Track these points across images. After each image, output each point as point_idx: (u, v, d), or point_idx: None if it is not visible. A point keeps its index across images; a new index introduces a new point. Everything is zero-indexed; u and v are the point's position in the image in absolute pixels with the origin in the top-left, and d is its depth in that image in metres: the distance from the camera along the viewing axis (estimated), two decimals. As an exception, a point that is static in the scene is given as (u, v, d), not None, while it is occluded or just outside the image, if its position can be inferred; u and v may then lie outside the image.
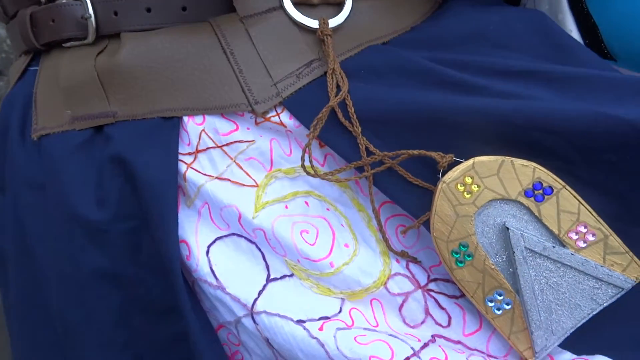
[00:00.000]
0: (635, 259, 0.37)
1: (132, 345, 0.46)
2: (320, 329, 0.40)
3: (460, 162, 0.38)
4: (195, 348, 0.43)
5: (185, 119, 0.44)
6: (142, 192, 0.44)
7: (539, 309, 0.37)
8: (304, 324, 0.40)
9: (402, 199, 0.41)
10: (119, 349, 0.46)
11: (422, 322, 0.41)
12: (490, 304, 0.38)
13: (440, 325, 0.41)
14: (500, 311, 0.38)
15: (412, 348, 0.38)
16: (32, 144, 0.49)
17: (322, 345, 0.39)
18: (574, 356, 0.37)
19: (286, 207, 0.44)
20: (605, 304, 0.37)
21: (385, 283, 0.42)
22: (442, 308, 0.41)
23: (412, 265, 0.43)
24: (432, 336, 0.40)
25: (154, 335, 0.46)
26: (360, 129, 0.41)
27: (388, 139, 0.41)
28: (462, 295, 0.41)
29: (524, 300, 0.37)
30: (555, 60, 0.44)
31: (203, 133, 0.44)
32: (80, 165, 0.46)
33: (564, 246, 0.37)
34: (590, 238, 0.37)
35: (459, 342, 0.40)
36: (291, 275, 0.43)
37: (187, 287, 0.45)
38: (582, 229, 0.37)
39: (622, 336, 0.37)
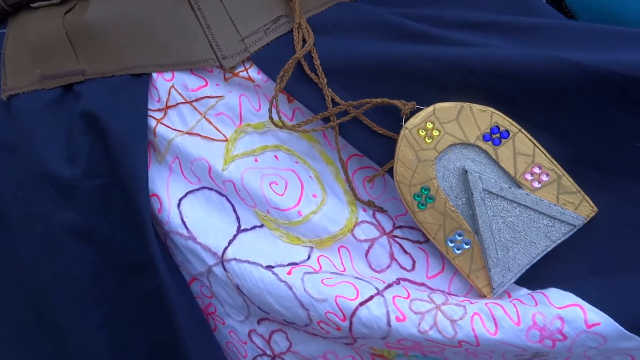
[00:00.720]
0: (587, 198, 0.39)
1: (105, 302, 0.47)
2: (289, 273, 0.41)
3: (422, 109, 0.40)
4: (169, 303, 0.44)
5: (155, 75, 0.44)
6: (112, 148, 0.44)
7: (496, 247, 0.39)
8: (273, 269, 0.41)
9: (368, 149, 0.42)
10: (92, 306, 0.47)
11: (388, 267, 0.43)
12: (450, 245, 0.40)
13: (404, 269, 0.43)
14: (460, 251, 0.40)
15: (377, 288, 0.40)
16: (1, 105, 0.49)
17: (290, 288, 0.40)
18: (529, 291, 0.39)
19: (256, 160, 0.45)
20: (558, 241, 0.39)
21: (352, 230, 0.43)
22: (406, 253, 0.43)
23: (378, 214, 0.44)
24: (397, 279, 0.42)
25: (127, 292, 0.47)
26: (325, 80, 0.42)
27: (353, 90, 0.42)
28: (426, 241, 0.43)
29: (482, 240, 0.39)
30: (515, 15, 0.45)
31: (172, 89, 0.45)
32: (50, 123, 0.46)
33: (519, 187, 0.39)
34: (545, 179, 0.39)
35: (422, 284, 0.42)
36: (261, 226, 0.44)
37: (159, 242, 0.46)
38: (537, 170, 0.39)
39: (573, 269, 0.39)
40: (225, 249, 0.43)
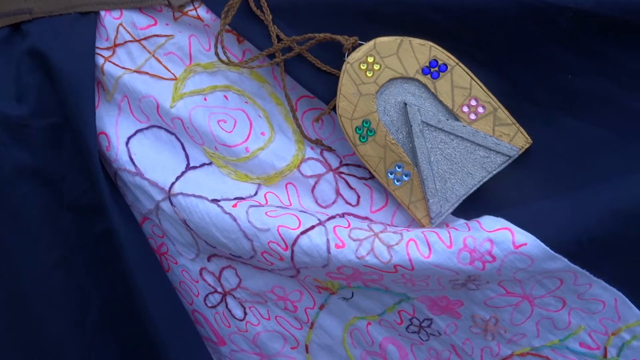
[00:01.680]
0: (522, 129, 0.40)
1: (59, 243, 0.47)
2: (234, 206, 0.42)
3: (363, 44, 0.40)
4: (121, 244, 0.45)
5: (103, 13, 0.44)
6: (60, 86, 0.44)
7: (434, 178, 0.40)
8: (219, 203, 0.42)
9: (314, 86, 0.43)
10: (46, 247, 0.47)
11: (333, 202, 0.44)
12: (391, 177, 0.41)
13: (349, 204, 0.44)
14: (400, 182, 0.41)
15: (319, 219, 0.40)
16: None
17: (235, 220, 0.41)
18: (466, 221, 0.41)
19: (205, 99, 0.45)
20: (494, 172, 0.40)
21: (299, 166, 0.44)
22: (351, 188, 0.44)
23: (326, 153, 0.45)
24: (342, 213, 0.43)
25: (79, 234, 0.47)
26: (271, 16, 0.42)
27: (298, 27, 0.42)
28: (371, 177, 0.44)
29: (420, 171, 0.40)
30: None
31: (121, 27, 0.45)
32: (-2, 62, 0.46)
33: (457, 119, 0.40)
34: (481, 111, 0.40)
35: (366, 218, 0.43)
36: (210, 164, 0.45)
37: (109, 181, 0.46)
38: (474, 103, 0.40)
39: (507, 198, 0.40)
40: (173, 184, 0.43)
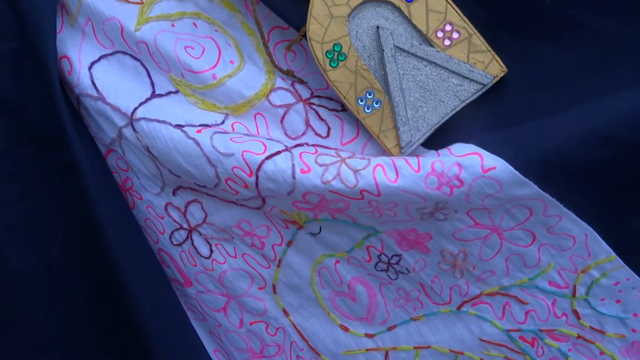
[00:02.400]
0: (497, 57, 0.39)
1: (20, 176, 0.46)
2: (198, 131, 0.40)
3: (336, -35, 0.39)
4: (84, 179, 0.44)
5: None
6: (20, 8, 0.42)
7: (406, 106, 0.39)
8: (182, 128, 0.40)
9: (285, 11, 0.41)
10: (6, 179, 0.45)
11: (303, 134, 0.43)
12: (361, 104, 0.40)
13: (319, 135, 0.42)
14: (370, 110, 0.40)
15: (285, 145, 0.39)
16: None
17: (198, 144, 0.39)
18: (437, 151, 0.39)
19: (172, 25, 0.43)
20: (467, 100, 0.39)
21: (268, 95, 0.42)
22: (322, 119, 0.43)
23: (297, 85, 0.43)
24: (311, 144, 0.42)
25: (42, 166, 0.46)
26: (241, -62, 0.41)
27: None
28: (343, 110, 0.43)
29: (392, 98, 0.39)
30: None
31: (84, -53, 0.43)
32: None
33: (431, 45, 0.39)
34: (455, 36, 0.39)
35: (335, 150, 0.42)
36: (176, 92, 0.43)
37: (72, 111, 0.45)
38: (448, 28, 0.39)
39: (479, 127, 0.39)
40: (135, 109, 0.41)
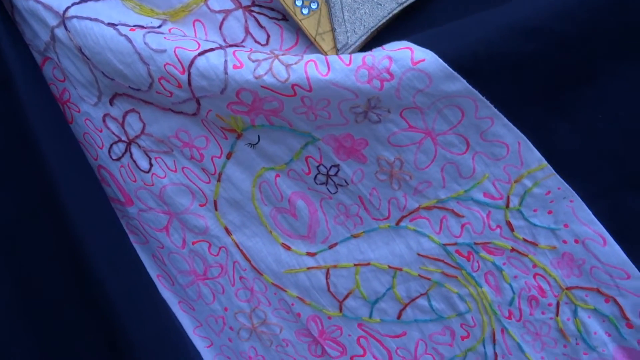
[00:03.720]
0: (434, -40, 0.39)
1: None
2: (132, 30, 0.39)
3: None
4: (19, 91, 0.42)
5: None
6: None
7: (343, 7, 0.39)
8: (115, 26, 0.39)
9: None
10: None
11: (242, 41, 0.42)
12: (298, 4, 0.39)
13: (259, 43, 0.42)
14: (308, 11, 0.39)
15: (220, 45, 0.39)
16: None
17: (130, 41, 0.38)
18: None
19: None
20: (405, 4, 0.39)
21: (206, 0, 0.42)
22: (261, 27, 0.42)
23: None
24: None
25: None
26: None
27: None
28: (283, 19, 0.42)
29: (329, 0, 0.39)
30: None
31: None
32: None
33: (368, -55, 0.39)
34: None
35: (271, 50, 0.41)
36: None
37: (6, 19, 0.43)
38: None
39: (416, 30, 0.39)
40: (68, 7, 0.40)
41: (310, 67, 0.36)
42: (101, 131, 0.46)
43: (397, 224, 0.45)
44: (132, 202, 0.48)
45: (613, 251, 0.41)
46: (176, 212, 0.48)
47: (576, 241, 0.42)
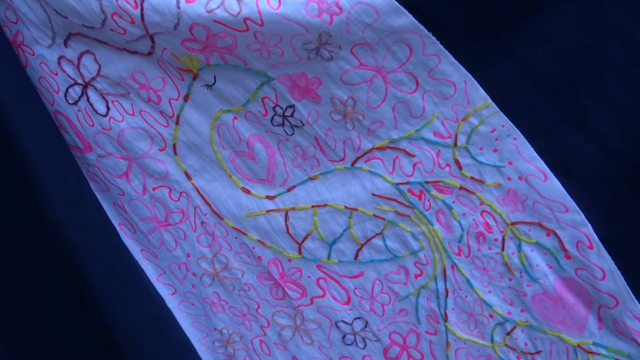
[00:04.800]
0: None
1: None
2: None
3: None
4: None
5: None
6: None
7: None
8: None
9: None
10: None
11: None
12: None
13: None
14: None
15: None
16: None
17: None
18: None
19: None
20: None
21: None
22: None
23: None
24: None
25: None
26: None
27: None
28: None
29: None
30: None
31: None
32: None
33: None
34: None
35: None
36: None
37: None
38: None
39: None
40: None
41: (262, 1, 0.37)
42: (57, 74, 0.45)
43: (353, 164, 0.47)
44: (90, 148, 0.48)
45: (553, 186, 0.44)
46: (135, 157, 0.48)
47: (520, 178, 0.44)
